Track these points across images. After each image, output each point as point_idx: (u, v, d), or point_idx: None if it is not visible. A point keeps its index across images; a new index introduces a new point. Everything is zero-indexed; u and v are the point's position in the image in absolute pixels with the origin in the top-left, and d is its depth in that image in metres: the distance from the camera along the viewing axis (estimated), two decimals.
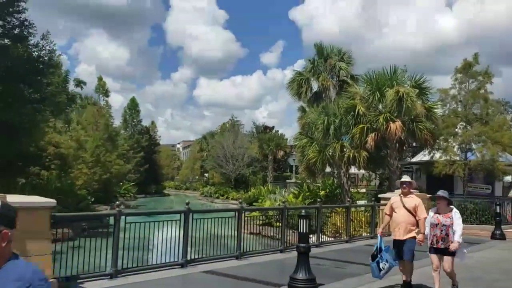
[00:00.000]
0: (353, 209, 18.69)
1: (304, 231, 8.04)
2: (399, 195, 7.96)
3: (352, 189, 30.16)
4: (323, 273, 9.48)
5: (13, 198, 6.87)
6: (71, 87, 58.77)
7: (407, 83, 21.84)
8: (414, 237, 7.61)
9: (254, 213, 20.70)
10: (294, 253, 11.84)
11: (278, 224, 18.28)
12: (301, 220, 8.06)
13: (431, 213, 7.62)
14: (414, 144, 26.02)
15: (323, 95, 27.35)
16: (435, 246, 7.46)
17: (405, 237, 7.65)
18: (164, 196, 65.21)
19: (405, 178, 8.14)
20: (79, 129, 37.66)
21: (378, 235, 8.09)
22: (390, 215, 8.04)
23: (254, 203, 34.77)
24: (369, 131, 20.72)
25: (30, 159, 24.90)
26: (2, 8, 21.34)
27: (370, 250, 13.48)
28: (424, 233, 7.55)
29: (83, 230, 17.99)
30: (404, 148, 24.57)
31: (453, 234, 7.32)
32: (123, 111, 68.69)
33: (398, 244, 7.77)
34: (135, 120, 68.15)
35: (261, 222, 20.11)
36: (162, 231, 9.77)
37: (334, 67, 27.13)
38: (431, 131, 21.29)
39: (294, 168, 44.61)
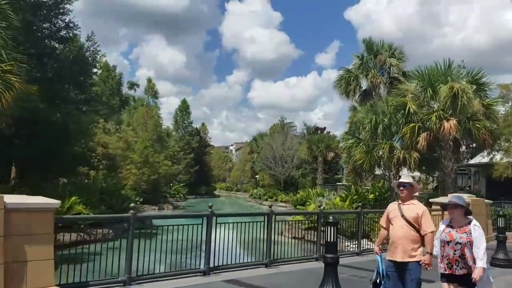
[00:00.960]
0: None
1: (332, 239, 7.09)
2: (398, 202, 5.94)
3: None
4: (356, 286, 8.48)
5: (11, 199, 6.41)
6: (125, 89, 60.41)
7: (464, 79, 20.22)
8: (419, 261, 5.52)
9: (297, 217, 19.85)
10: None
11: (323, 228, 17.36)
12: (328, 228, 7.12)
13: (442, 226, 5.49)
14: (473, 145, 24.17)
15: (373, 93, 26.02)
16: (446, 272, 5.36)
17: (404, 259, 5.55)
18: (214, 198, 65.29)
19: (404, 178, 6.01)
20: (128, 130, 38.10)
21: (377, 256, 5.99)
22: (387, 228, 5.95)
23: (301, 206, 33.91)
24: (421, 130, 19.31)
25: (77, 159, 25.11)
26: (48, 11, 21.61)
27: None
28: (431, 254, 5.46)
29: (124, 231, 17.57)
30: (460, 149, 22.86)
31: (473, 256, 5.20)
32: (174, 112, 69.73)
33: (396, 268, 5.64)
34: (186, 122, 68.82)
35: (305, 226, 19.21)
36: (183, 235, 9.09)
37: (384, 63, 25.77)
38: (490, 131, 19.55)
39: (345, 170, 43.21)
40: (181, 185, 55.92)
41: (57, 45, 22.63)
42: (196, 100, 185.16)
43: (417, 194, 6.34)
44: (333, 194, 30.91)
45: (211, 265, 9.14)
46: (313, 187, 43.94)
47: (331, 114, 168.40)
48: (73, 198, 18.39)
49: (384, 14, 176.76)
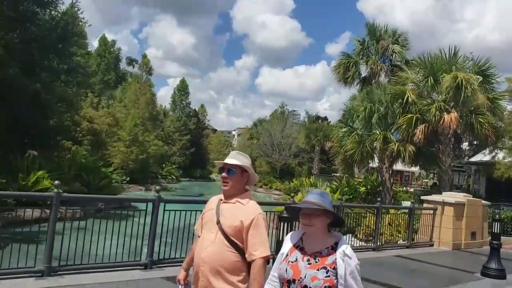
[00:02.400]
0: (392, 210, 16.23)
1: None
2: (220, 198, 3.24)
3: (400, 188, 27.35)
4: None
5: None
6: (124, 65, 59.06)
7: (469, 69, 18.76)
8: None
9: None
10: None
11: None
12: (281, 224, 5.77)
13: (287, 246, 2.76)
14: (475, 143, 22.75)
15: (373, 81, 24.55)
16: None
17: None
18: (210, 181, 64.11)
19: (232, 158, 3.19)
20: (118, 106, 36.77)
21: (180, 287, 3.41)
22: None
23: (287, 195, 32.76)
24: (419, 122, 17.91)
25: (56, 132, 23.79)
26: None
27: (398, 264, 10.99)
28: None
29: (98, 211, 16.35)
30: (461, 145, 21.49)
31: None
32: (172, 92, 68.14)
33: None
34: (184, 102, 67.13)
35: None
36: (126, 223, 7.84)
37: (386, 50, 24.21)
38: (494, 127, 18.13)
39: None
40: (174, 166, 54.64)
41: (38, 10, 21.17)
42: (204, 83, 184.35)
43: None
44: (326, 185, 29.72)
45: (155, 258, 7.89)
46: (308, 176, 42.74)
47: (338, 105, 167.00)
48: (40, 172, 17.14)
49: (398, 7, 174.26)
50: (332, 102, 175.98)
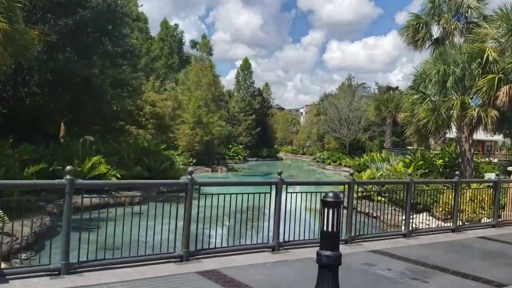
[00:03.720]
0: (474, 185, 14.43)
1: (330, 228, 4.48)
2: None
3: (482, 159, 24.93)
4: None
5: None
6: (187, 48, 59.24)
7: None
8: None
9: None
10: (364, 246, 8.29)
11: (379, 198, 14.64)
12: (325, 210, 4.52)
13: None
14: None
15: (446, 41, 22.10)
16: None
17: None
18: (277, 160, 63.29)
19: None
20: (180, 89, 36.63)
21: None
22: None
23: (358, 172, 31.00)
24: (502, 83, 15.68)
25: (114, 117, 23.77)
26: None
27: (482, 247, 9.28)
28: None
29: (160, 193, 15.58)
30: None
31: None
32: (236, 72, 67.45)
33: None
34: (247, 82, 66.27)
35: (358, 195, 16.61)
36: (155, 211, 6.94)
37: (460, 6, 21.64)
38: None
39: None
40: (241, 147, 54.39)
41: None
42: (271, 63, 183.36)
43: None
44: (399, 159, 27.78)
45: (191, 248, 6.93)
46: (380, 151, 40.57)
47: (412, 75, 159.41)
48: (96, 157, 16.83)
49: None
50: (405, 72, 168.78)
